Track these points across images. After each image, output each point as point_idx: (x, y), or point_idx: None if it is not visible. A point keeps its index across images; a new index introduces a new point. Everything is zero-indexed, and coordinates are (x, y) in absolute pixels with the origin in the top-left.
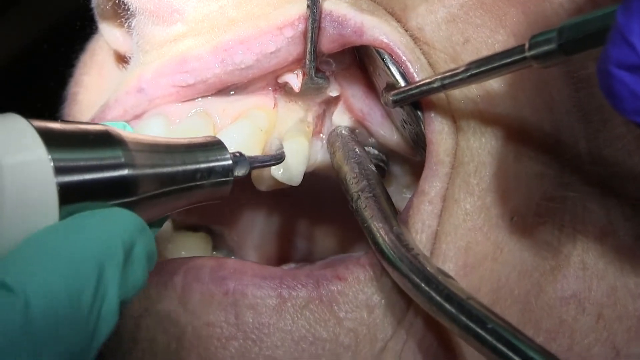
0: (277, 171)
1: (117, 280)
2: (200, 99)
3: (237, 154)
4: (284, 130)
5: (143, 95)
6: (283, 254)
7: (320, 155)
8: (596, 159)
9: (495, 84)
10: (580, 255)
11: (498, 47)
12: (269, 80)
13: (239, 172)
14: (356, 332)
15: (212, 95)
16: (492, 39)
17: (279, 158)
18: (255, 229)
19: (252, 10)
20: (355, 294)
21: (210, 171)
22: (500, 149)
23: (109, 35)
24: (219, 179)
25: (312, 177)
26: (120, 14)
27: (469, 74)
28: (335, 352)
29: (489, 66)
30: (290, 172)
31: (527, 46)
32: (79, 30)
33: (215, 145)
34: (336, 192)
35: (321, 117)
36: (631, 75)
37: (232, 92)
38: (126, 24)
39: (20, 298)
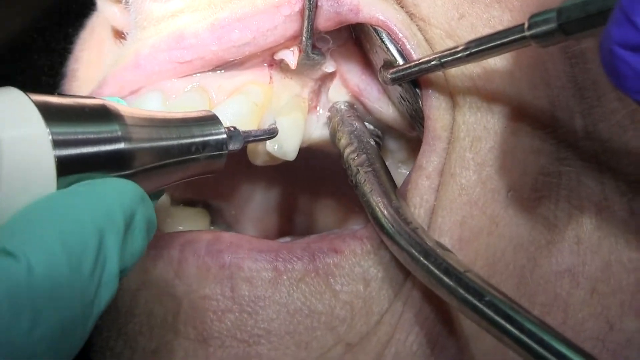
0: (272, 146)
1: (117, 248)
2: (196, 75)
3: (232, 129)
4: (279, 106)
5: (140, 71)
6: (281, 228)
7: (316, 130)
8: (591, 134)
9: (492, 60)
10: (575, 229)
11: (493, 22)
12: (265, 56)
13: (233, 146)
14: (352, 305)
15: (208, 70)
16: (488, 14)
17: (271, 132)
18: (254, 203)
19: None
20: (352, 266)
21: (205, 145)
22: (496, 124)
23: (106, 12)
24: (213, 153)
25: (310, 152)
26: None
27: (467, 52)
28: (330, 325)
29: (488, 45)
30: (285, 147)
31: (526, 25)
32: (78, 6)
33: (210, 120)
34: (334, 167)
35: (317, 93)
36: (635, 55)
37: (228, 69)
38: (124, 0)
39: (22, 263)
